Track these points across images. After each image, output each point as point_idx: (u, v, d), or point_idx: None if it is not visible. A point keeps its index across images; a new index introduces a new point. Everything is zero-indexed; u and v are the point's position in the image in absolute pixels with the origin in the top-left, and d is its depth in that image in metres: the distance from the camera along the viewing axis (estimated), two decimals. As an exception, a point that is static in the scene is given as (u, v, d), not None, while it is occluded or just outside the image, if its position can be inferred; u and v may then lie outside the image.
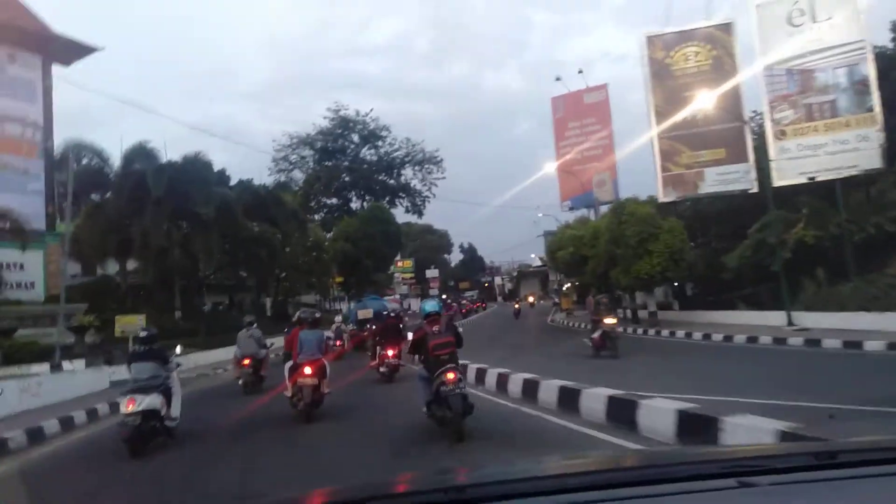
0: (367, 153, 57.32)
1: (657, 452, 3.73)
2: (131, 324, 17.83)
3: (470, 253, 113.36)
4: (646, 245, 22.39)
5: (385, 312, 19.57)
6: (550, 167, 39.39)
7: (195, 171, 26.47)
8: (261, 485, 5.65)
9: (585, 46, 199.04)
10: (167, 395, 8.19)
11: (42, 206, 25.73)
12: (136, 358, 8.33)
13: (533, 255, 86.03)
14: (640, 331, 24.35)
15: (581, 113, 39.60)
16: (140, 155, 26.60)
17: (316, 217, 52.20)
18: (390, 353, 12.64)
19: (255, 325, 14.73)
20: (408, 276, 64.17)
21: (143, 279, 27.96)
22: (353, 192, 57.09)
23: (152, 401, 7.80)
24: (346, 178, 55.84)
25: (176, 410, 8.37)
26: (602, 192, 37.51)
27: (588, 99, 39.52)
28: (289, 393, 9.34)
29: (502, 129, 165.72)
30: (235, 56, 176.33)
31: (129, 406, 7.63)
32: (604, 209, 34.85)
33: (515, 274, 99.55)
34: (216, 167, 30.39)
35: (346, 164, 56.27)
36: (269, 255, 29.25)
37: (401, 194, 57.90)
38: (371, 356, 14.79)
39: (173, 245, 26.37)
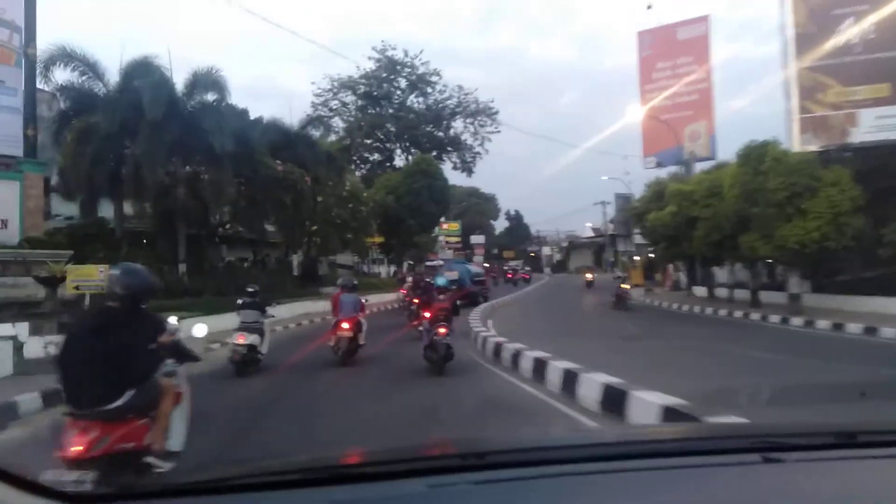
0: (414, 101, 51.48)
1: (682, 427, 3.95)
2: (89, 277, 12.84)
3: (516, 220, 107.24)
4: (797, 203, 16.29)
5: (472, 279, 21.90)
6: (633, 115, 33.02)
7: (207, 88, 21.26)
8: (306, 400, 8.61)
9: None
10: (262, 336, 10.96)
11: (19, 127, 20.85)
12: (245, 306, 11.15)
13: (588, 224, 79.25)
14: (773, 318, 18.39)
15: (674, 51, 32.92)
16: (143, 71, 21.39)
17: (356, 173, 46.97)
18: (442, 330, 10.49)
19: (256, 296, 11.54)
20: (453, 239, 58.47)
21: (141, 224, 23.19)
22: (398, 145, 51.48)
23: (254, 338, 10.63)
24: (391, 128, 50.17)
25: (265, 348, 11.10)
26: (697, 147, 31.03)
27: (683, 34, 32.75)
28: (331, 342, 11.44)
29: (548, 99, 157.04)
30: (284, 18, 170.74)
31: (239, 339, 10.50)
32: (701, 167, 28.52)
33: (565, 245, 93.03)
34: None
35: (390, 112, 50.60)
36: (295, 202, 23.99)
37: (449, 148, 52.05)
38: (411, 316, 16.86)
39: (177, 183, 21.35)
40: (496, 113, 51.74)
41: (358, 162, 50.31)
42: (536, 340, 11.60)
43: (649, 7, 36.67)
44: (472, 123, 52.35)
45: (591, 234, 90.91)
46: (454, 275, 26.37)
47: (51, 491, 1.33)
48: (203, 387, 7.98)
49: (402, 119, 49.70)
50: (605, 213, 72.53)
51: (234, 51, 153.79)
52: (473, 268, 31.59)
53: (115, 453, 3.69)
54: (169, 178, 21.40)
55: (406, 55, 49.10)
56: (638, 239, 41.20)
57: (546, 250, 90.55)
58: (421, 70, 49.78)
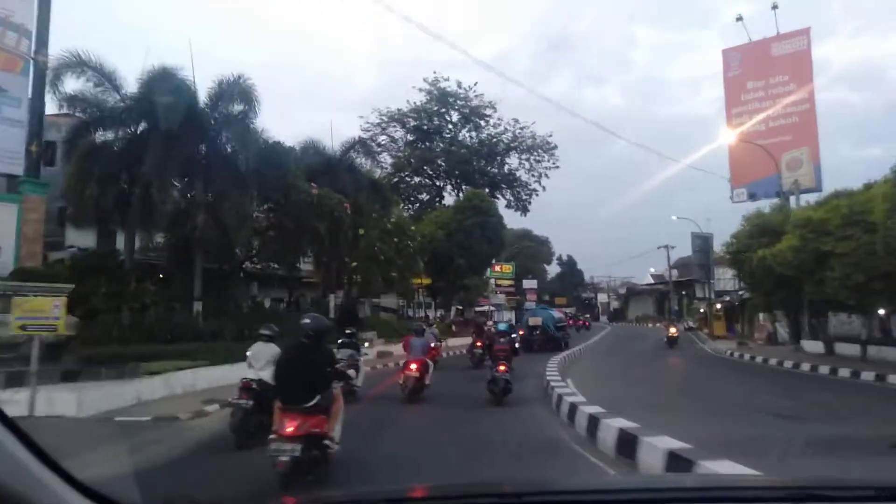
0: (466, 136, 48.46)
1: (725, 477, 4.05)
2: (39, 313, 9.45)
3: (569, 266, 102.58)
4: None
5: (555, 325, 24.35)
6: (720, 140, 28.83)
7: (234, 99, 18.34)
8: (384, 423, 9.89)
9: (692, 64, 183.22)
10: (357, 370, 12.39)
11: (21, 142, 18.27)
12: (343, 346, 12.88)
13: (652, 270, 73.86)
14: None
15: (767, 69, 28.81)
16: (163, 84, 18.67)
17: (405, 212, 43.91)
18: (501, 368, 11.90)
19: (354, 336, 13.88)
20: (506, 282, 54.37)
21: (158, 257, 20.18)
22: (449, 182, 48.31)
23: (351, 372, 11.37)
24: (441, 164, 47.11)
25: (360, 380, 12.64)
26: (798, 177, 26.51)
27: (778, 50, 28.64)
28: (400, 381, 12.48)
29: (602, 145, 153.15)
30: (339, 66, 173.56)
31: None
32: (806, 199, 24.01)
33: (623, 292, 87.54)
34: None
35: (441, 147, 47.65)
36: (331, 233, 20.60)
37: (503, 185, 48.60)
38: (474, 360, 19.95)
39: (194, 207, 18.27)
40: (555, 148, 48.25)
41: (406, 200, 47.33)
42: (649, 414, 9.17)
43: (739, 19, 32.86)
44: (527, 160, 48.91)
45: (651, 280, 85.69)
46: (538, 321, 28.14)
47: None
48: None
49: (454, 154, 46.62)
50: (668, 258, 67.59)
51: (283, 101, 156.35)
52: (556, 314, 32.40)
53: (309, 435, 6.01)
54: (185, 202, 18.35)
55: (459, 86, 46.37)
56: (723, 284, 36.34)
57: (602, 297, 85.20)
58: (474, 102, 46.88)
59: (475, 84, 45.56)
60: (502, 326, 14.46)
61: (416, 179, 47.29)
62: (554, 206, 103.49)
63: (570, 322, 48.31)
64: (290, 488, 5.65)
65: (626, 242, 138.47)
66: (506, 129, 47.91)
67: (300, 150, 23.44)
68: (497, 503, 1.70)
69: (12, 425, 1.20)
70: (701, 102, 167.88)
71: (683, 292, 66.45)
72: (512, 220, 52.49)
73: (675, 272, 66.74)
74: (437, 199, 47.96)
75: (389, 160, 47.46)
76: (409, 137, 48.08)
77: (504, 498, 1.71)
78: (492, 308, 54.31)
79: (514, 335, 15.31)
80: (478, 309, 55.08)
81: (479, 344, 19.47)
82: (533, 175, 48.45)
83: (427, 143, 47.59)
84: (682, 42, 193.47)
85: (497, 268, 49.16)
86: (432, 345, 16.19)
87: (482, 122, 47.65)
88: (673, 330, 26.95)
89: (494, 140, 48.04)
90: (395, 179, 45.08)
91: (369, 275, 24.56)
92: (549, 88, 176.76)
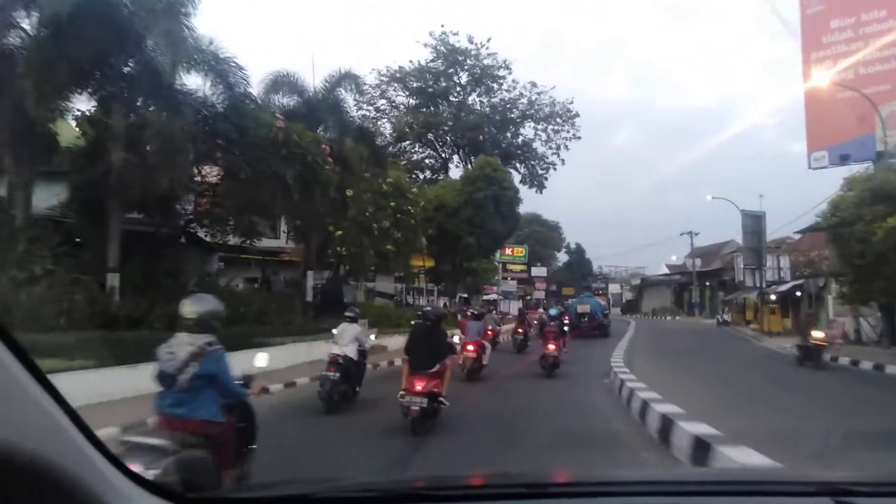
0: (476, 100, 42.89)
1: (756, 470, 4.30)
2: None
3: (577, 255, 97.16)
4: None
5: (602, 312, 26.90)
6: (792, 92, 23.29)
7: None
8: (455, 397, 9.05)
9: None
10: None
11: None
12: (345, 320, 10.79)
13: (674, 258, 68.87)
14: None
15: (857, 2, 23.23)
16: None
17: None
18: (551, 346, 13.98)
19: (355, 319, 10.73)
20: (517, 267, 48.82)
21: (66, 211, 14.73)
22: (456, 153, 42.85)
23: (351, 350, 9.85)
24: (448, 131, 41.54)
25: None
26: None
27: (872, -20, 23.04)
28: (459, 361, 12.68)
29: (601, 138, 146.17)
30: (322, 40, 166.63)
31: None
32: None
33: (637, 282, 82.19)
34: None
35: (447, 112, 42.09)
36: (304, 184, 15.14)
37: (517, 158, 43.08)
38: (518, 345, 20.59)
39: (108, 135, 12.82)
40: (576, 116, 42.63)
41: (408, 175, 41.80)
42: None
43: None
44: (544, 129, 43.31)
45: (667, 270, 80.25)
46: (586, 308, 29.89)
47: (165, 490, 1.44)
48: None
49: (462, 121, 41.04)
50: (692, 244, 62.17)
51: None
52: (601, 301, 34.16)
53: (430, 392, 7.79)
54: (90, 127, 12.90)
55: (470, 41, 40.64)
56: (773, 272, 30.92)
57: (614, 288, 79.73)
58: (487, 62, 41.24)
59: (488, 40, 39.96)
60: (553, 312, 16.80)
61: (419, 151, 41.73)
62: (563, 190, 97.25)
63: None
64: (417, 432, 7.57)
65: (636, 230, 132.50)
66: (521, 93, 42.36)
67: (269, 84, 17.99)
68: (522, 493, 1.73)
69: (68, 407, 1.13)
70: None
71: (707, 283, 61.23)
72: (524, 199, 46.99)
73: (699, 262, 61.48)
74: (443, 172, 42.46)
75: (389, 128, 41.91)
76: (413, 102, 42.50)
77: (530, 488, 1.74)
78: (499, 296, 49.00)
79: (564, 319, 17.10)
80: (485, 297, 49.77)
81: (520, 330, 20.82)
82: (550, 147, 42.91)
83: (432, 108, 42.01)
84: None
85: (508, 251, 43.70)
86: (489, 327, 17.04)
87: (495, 86, 42.05)
88: (819, 334, 16.83)
89: (508, 106, 42.47)
90: (395, 150, 39.60)
91: (360, 249, 19.11)
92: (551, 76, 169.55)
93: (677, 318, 60.88)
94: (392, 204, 20.26)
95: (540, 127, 43.08)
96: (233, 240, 19.05)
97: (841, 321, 24.83)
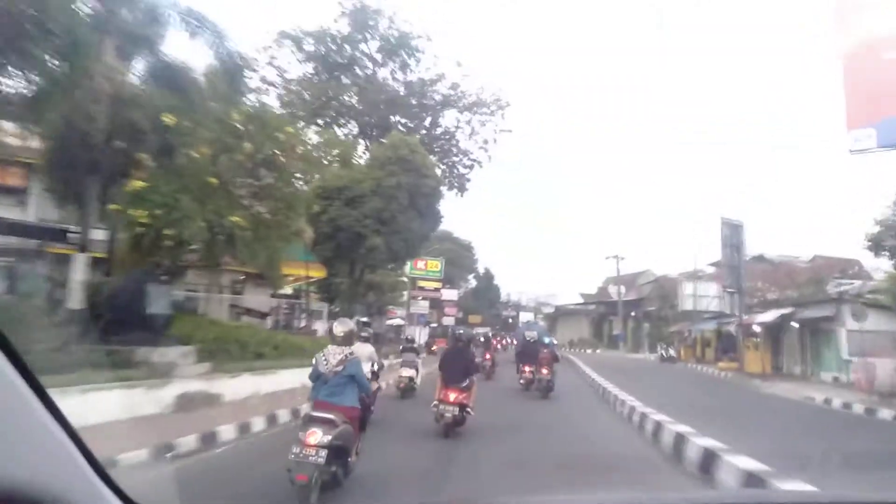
0: (389, 76, 34.78)
1: (757, 493, 4.25)
2: None
3: (485, 280, 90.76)
4: None
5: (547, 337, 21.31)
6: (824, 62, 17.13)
7: None
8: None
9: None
10: (417, 371, 14.39)
11: None
12: (404, 350, 15.24)
13: (612, 289, 62.59)
14: None
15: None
16: None
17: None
18: (545, 371, 15.55)
19: (369, 339, 10.89)
20: (432, 285, 40.47)
21: None
22: (364, 138, 34.31)
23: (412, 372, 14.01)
24: (350, 103, 33.04)
25: (418, 379, 14.39)
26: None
27: None
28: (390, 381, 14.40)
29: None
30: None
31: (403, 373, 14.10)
32: None
33: (552, 311, 76.62)
34: None
35: (353, 88, 33.68)
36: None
37: (435, 151, 35.20)
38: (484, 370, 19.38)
39: None
40: (506, 107, 35.53)
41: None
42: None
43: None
44: (468, 122, 35.86)
45: (581, 299, 75.24)
46: (534, 335, 24.03)
47: None
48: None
49: (369, 95, 32.72)
50: (617, 270, 56.80)
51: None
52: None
53: (460, 404, 9.06)
54: None
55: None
56: (691, 301, 24.77)
57: (526, 316, 73.35)
58: (403, 29, 33.35)
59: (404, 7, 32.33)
60: (546, 339, 19.15)
61: (317, 126, 32.80)
62: (472, 206, 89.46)
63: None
64: (448, 435, 8.91)
65: (549, 253, 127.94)
66: (443, 75, 34.74)
67: None
68: None
69: (63, 421, 1.10)
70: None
71: (632, 313, 56.01)
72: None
73: (619, 289, 56.22)
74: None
75: (278, 104, 32.75)
76: (310, 71, 33.74)
77: None
78: (404, 321, 40.68)
79: (553, 345, 19.20)
80: (388, 322, 41.26)
81: (488, 356, 20.63)
82: (476, 141, 35.45)
83: (332, 78, 33.42)
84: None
85: (421, 263, 35.41)
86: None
87: (412, 61, 34.18)
88: None
89: (427, 88, 34.70)
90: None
91: (179, 216, 10.12)
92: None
93: (598, 350, 55.06)
94: (247, 146, 11.45)
95: (464, 117, 35.61)
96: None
97: (870, 363, 18.57)
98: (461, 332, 11.44)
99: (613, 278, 60.53)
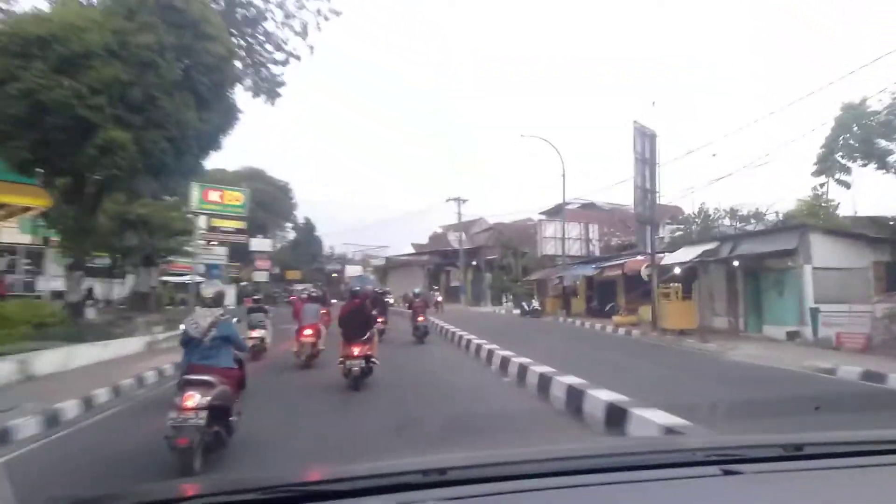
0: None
1: (640, 440, 4.19)
2: None
3: (306, 232, 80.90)
4: None
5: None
6: None
7: None
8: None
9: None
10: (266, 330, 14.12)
11: None
12: (252, 311, 14.45)
13: (452, 236, 55.55)
14: None
15: None
16: None
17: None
18: (420, 318, 17.94)
19: (261, 301, 14.99)
20: (232, 225, 29.44)
21: None
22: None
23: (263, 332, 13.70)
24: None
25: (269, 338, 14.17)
26: None
27: None
28: (294, 349, 13.12)
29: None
30: None
31: (252, 333, 13.21)
32: None
33: (382, 263, 69.24)
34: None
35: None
36: None
37: (235, 38, 24.90)
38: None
39: None
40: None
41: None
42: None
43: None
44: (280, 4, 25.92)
45: (412, 250, 68.80)
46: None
47: None
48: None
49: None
50: (459, 215, 50.40)
51: None
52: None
53: (364, 356, 9.47)
54: None
55: None
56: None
57: (353, 270, 64.97)
58: None
59: None
60: (418, 290, 20.67)
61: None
62: (289, 143, 77.15)
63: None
64: (357, 388, 9.44)
65: (380, 201, 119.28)
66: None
67: None
68: (420, 482, 1.47)
69: None
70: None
71: (472, 262, 50.41)
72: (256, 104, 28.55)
73: (460, 235, 50.33)
74: None
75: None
76: None
77: (427, 475, 1.50)
78: (200, 278, 30.29)
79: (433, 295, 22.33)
80: (164, 278, 30.60)
81: (421, 318, 19.28)
82: (291, 25, 25.72)
83: None
84: None
85: (215, 194, 25.19)
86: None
87: None
88: None
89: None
90: None
91: None
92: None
93: (432, 306, 48.72)
94: None
95: (275, -5, 25.57)
96: None
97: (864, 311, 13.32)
98: (357, 288, 11.09)
99: (451, 226, 54.81)
